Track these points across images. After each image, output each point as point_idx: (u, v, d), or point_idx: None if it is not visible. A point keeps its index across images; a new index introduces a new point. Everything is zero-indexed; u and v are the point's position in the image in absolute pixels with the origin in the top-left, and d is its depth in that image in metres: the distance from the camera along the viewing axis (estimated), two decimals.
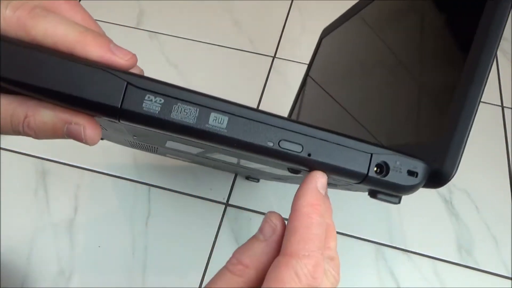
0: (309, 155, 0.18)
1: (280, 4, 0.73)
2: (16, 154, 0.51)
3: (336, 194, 0.51)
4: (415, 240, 0.48)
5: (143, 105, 0.17)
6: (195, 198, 0.49)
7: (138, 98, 0.17)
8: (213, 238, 0.46)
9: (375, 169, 0.19)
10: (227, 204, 0.49)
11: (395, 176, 0.19)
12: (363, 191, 0.23)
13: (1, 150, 0.51)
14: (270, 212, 0.20)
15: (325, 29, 0.51)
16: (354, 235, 0.48)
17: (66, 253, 0.44)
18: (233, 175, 0.51)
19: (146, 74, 0.63)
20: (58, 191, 0.48)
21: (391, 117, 0.28)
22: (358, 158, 0.19)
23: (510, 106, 0.62)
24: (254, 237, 0.20)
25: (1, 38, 0.16)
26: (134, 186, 0.49)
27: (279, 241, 0.19)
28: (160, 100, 0.17)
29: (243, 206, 0.49)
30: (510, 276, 0.46)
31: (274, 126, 0.18)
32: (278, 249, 0.19)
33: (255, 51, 0.66)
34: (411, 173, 0.20)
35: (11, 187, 0.48)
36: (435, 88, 0.24)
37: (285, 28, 0.69)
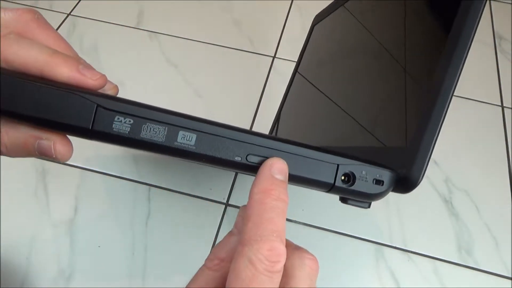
0: None
1: (280, 4, 0.73)
2: None
3: (336, 196, 0.51)
4: (415, 240, 0.48)
5: (113, 126, 0.18)
6: (195, 198, 0.49)
7: (108, 120, 0.18)
8: (213, 238, 0.46)
9: (342, 178, 0.20)
10: (227, 204, 0.49)
11: (361, 185, 0.20)
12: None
13: None
14: (242, 206, 0.20)
15: (317, 16, 0.51)
16: (354, 235, 0.48)
17: (66, 253, 0.44)
18: (233, 175, 0.51)
19: (147, 74, 0.63)
20: (58, 191, 0.48)
21: (369, 115, 0.29)
22: (325, 169, 0.20)
23: (510, 106, 0.62)
24: (229, 232, 0.21)
25: None
26: (134, 186, 0.49)
27: None
28: (130, 121, 0.18)
29: None
30: (510, 276, 0.46)
31: (241, 141, 0.19)
32: None
33: (255, 51, 0.66)
34: (377, 181, 0.20)
35: (11, 187, 0.48)
36: (407, 93, 0.25)
37: (285, 28, 0.69)
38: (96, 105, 0.17)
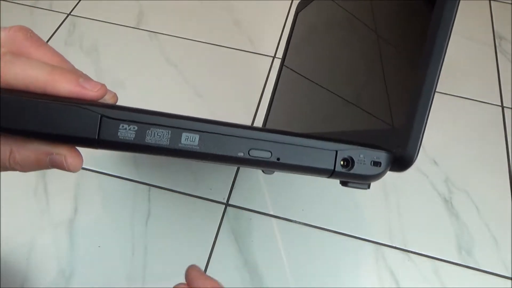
0: (278, 159, 0.20)
1: (280, 4, 0.73)
2: None
3: (336, 195, 0.51)
4: (415, 240, 0.48)
5: (119, 134, 0.18)
6: (195, 198, 0.49)
7: (113, 128, 0.18)
8: (213, 238, 0.46)
9: (341, 163, 0.21)
10: (227, 204, 0.49)
11: (360, 168, 0.21)
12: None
13: None
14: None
15: (300, 3, 0.51)
16: (354, 235, 0.48)
17: (66, 253, 0.44)
18: (233, 175, 0.51)
19: (146, 74, 0.63)
20: (58, 191, 0.48)
21: (360, 103, 0.30)
22: (324, 157, 0.21)
23: (510, 106, 0.62)
24: None
25: None
26: (134, 186, 0.49)
27: None
28: (134, 128, 0.19)
29: (243, 206, 0.49)
30: (510, 276, 0.46)
31: (242, 137, 0.20)
32: None
33: (255, 51, 0.66)
34: (375, 163, 0.21)
35: (11, 187, 0.48)
36: (397, 75, 0.26)
37: (285, 28, 0.69)
38: (100, 116, 0.18)
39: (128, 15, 0.68)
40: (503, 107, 0.62)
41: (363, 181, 0.22)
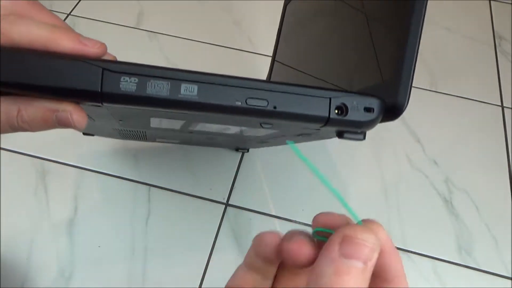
0: (274, 107, 0.21)
1: (280, 4, 0.73)
2: (16, 154, 0.51)
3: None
4: (415, 240, 0.48)
5: (120, 86, 0.19)
6: (195, 198, 0.49)
7: (115, 81, 0.19)
8: (213, 238, 0.46)
9: (335, 111, 0.21)
10: (227, 204, 0.49)
11: (354, 115, 0.22)
12: (331, 136, 0.26)
13: (1, 150, 0.51)
14: (363, 230, 0.16)
15: None
16: None
17: (66, 253, 0.44)
18: (233, 175, 0.51)
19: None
20: (58, 191, 0.48)
21: (350, 65, 0.31)
22: (319, 104, 0.21)
23: (510, 106, 0.62)
24: (351, 267, 0.15)
25: None
26: (134, 186, 0.49)
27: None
28: (135, 80, 0.19)
29: (243, 206, 0.49)
30: (510, 276, 0.46)
31: (240, 86, 0.20)
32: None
33: (255, 51, 0.66)
34: (367, 109, 0.22)
35: (11, 187, 0.48)
36: (383, 36, 0.27)
37: None
38: (102, 69, 0.19)
39: (128, 15, 0.68)
40: (503, 107, 0.62)
41: (358, 128, 0.22)
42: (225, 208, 0.48)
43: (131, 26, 0.67)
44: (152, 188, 0.49)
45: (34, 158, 0.50)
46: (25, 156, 0.50)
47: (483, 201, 0.51)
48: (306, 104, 0.21)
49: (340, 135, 0.23)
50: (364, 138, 0.23)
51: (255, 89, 0.20)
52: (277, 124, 0.23)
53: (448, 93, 0.63)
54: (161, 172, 0.51)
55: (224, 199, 0.49)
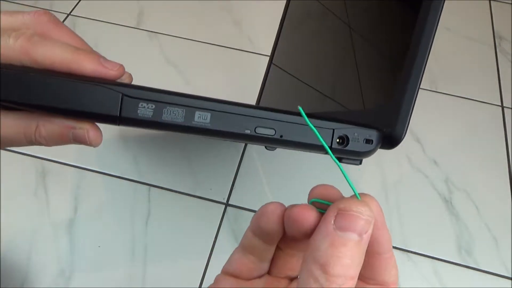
0: (281, 136, 0.22)
1: (280, 4, 0.73)
2: (16, 154, 0.51)
3: None
4: (415, 240, 0.48)
5: (138, 112, 0.20)
6: (195, 198, 0.49)
7: (133, 107, 0.20)
8: (213, 238, 0.46)
9: (337, 141, 0.23)
10: (227, 204, 0.49)
11: (354, 145, 0.23)
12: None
13: (1, 150, 0.51)
14: (359, 203, 0.16)
15: None
16: None
17: (66, 253, 0.44)
18: (233, 175, 0.51)
19: (146, 73, 0.63)
20: (58, 191, 0.48)
21: (352, 85, 0.32)
22: (323, 134, 0.22)
23: (510, 106, 0.62)
24: (348, 240, 0.15)
25: (2, 66, 0.19)
26: (134, 186, 0.49)
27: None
28: (152, 106, 0.20)
29: (243, 206, 0.49)
30: (510, 276, 0.46)
31: (250, 115, 0.21)
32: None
33: (255, 51, 0.66)
34: (367, 141, 0.23)
35: (11, 187, 0.48)
36: (386, 58, 0.28)
37: None
38: (121, 95, 0.20)
39: (128, 15, 0.68)
40: (503, 107, 0.62)
41: (356, 157, 0.24)
42: (225, 208, 0.48)
43: (131, 26, 0.67)
44: (152, 188, 0.49)
45: (34, 158, 0.50)
46: (25, 156, 0.50)
47: (483, 201, 0.51)
48: (311, 134, 0.22)
49: (338, 159, 0.24)
50: (361, 163, 0.25)
51: (264, 118, 0.22)
52: (281, 147, 0.24)
53: (448, 93, 0.63)
54: (161, 172, 0.51)
55: (224, 199, 0.49)
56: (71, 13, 0.67)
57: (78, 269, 0.43)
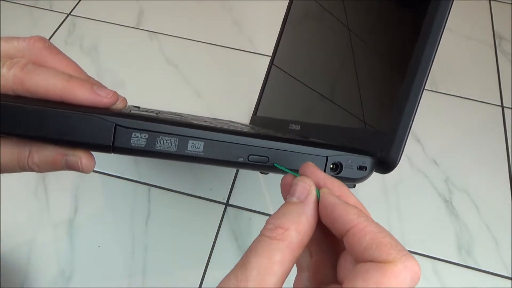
0: (274, 164, 0.22)
1: (280, 4, 0.73)
2: None
3: None
4: (415, 240, 0.48)
5: (131, 142, 0.20)
6: (195, 198, 0.49)
7: (126, 136, 0.20)
8: (213, 238, 0.46)
9: (331, 166, 0.23)
10: (227, 204, 0.49)
11: (348, 172, 0.23)
12: None
13: None
14: (301, 176, 0.21)
15: None
16: None
17: (66, 253, 0.44)
18: (233, 175, 0.51)
19: (147, 74, 0.63)
20: (58, 191, 0.48)
21: (352, 90, 0.32)
22: (316, 161, 0.23)
23: (510, 106, 0.62)
24: (287, 202, 0.20)
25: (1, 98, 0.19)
26: (134, 186, 0.49)
27: (315, 202, 0.19)
28: (145, 136, 0.20)
29: (243, 206, 0.49)
30: (510, 276, 0.46)
31: (243, 144, 0.22)
32: (315, 211, 0.19)
33: (255, 51, 0.66)
34: (361, 167, 0.24)
35: (11, 187, 0.48)
36: (384, 81, 0.28)
37: None
38: (115, 125, 0.20)
39: (128, 15, 0.68)
40: (503, 107, 0.62)
41: (349, 182, 0.24)
42: (225, 208, 0.48)
43: (131, 26, 0.67)
44: (152, 188, 0.49)
45: None
46: None
47: (483, 201, 0.51)
48: (304, 161, 0.22)
49: None
50: (354, 187, 0.25)
51: (257, 147, 0.22)
52: (275, 172, 0.24)
53: (448, 93, 0.63)
54: (161, 172, 0.51)
55: (224, 199, 0.49)
56: (71, 13, 0.67)
57: (78, 269, 0.43)
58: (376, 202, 0.51)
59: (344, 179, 0.23)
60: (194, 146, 0.21)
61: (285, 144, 0.22)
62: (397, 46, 0.27)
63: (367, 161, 0.24)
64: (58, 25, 0.66)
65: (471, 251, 0.47)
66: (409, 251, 0.49)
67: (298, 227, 0.18)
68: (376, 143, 0.24)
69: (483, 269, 0.46)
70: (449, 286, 0.45)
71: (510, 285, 0.45)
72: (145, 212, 0.47)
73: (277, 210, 0.20)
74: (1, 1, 0.68)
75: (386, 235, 0.17)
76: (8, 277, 0.42)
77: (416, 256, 0.46)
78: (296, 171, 0.21)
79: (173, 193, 0.49)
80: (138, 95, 0.57)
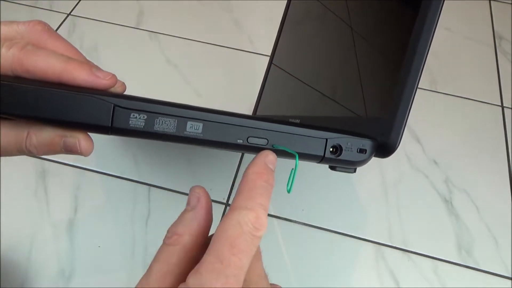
0: (273, 146, 0.22)
1: (280, 4, 0.73)
2: None
3: (336, 195, 0.51)
4: (415, 240, 0.48)
5: (130, 122, 0.20)
6: None
7: (125, 117, 0.20)
8: None
9: (330, 150, 0.23)
10: (227, 204, 0.49)
11: (347, 155, 0.23)
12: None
13: None
14: (194, 186, 0.23)
15: None
16: (354, 235, 0.48)
17: (66, 253, 0.44)
18: (233, 175, 0.51)
19: (146, 73, 0.63)
20: (58, 191, 0.48)
21: (352, 86, 0.32)
22: (316, 144, 0.23)
23: (510, 106, 0.62)
24: (183, 211, 0.22)
25: (0, 78, 0.19)
26: (134, 186, 0.49)
27: (206, 207, 0.22)
28: (144, 116, 0.20)
29: None
30: (510, 276, 0.46)
31: (242, 125, 0.21)
32: (207, 216, 0.22)
33: (255, 51, 0.66)
34: (361, 150, 0.23)
35: (11, 187, 0.48)
36: (383, 67, 0.28)
37: None
38: (113, 105, 0.20)
39: (128, 15, 0.68)
40: (503, 107, 0.62)
41: (350, 166, 0.24)
42: (225, 208, 0.48)
43: (131, 26, 0.67)
44: (152, 188, 0.49)
45: (34, 158, 0.50)
46: (25, 156, 0.50)
47: (483, 201, 0.51)
48: (303, 144, 0.22)
49: (332, 168, 0.25)
50: (355, 171, 0.25)
51: (257, 128, 0.22)
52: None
53: (448, 93, 0.63)
54: (161, 172, 0.51)
55: (224, 199, 0.49)
56: (71, 13, 0.67)
57: (78, 269, 0.43)
58: (376, 202, 0.51)
59: (343, 162, 0.23)
60: (193, 128, 0.21)
61: (285, 126, 0.22)
62: (393, 38, 0.27)
63: (367, 143, 0.23)
64: (58, 25, 0.66)
65: (471, 251, 0.47)
66: (409, 251, 0.49)
67: (192, 232, 0.21)
68: (376, 129, 0.25)
69: (483, 269, 0.46)
70: (449, 286, 0.45)
71: (510, 285, 0.45)
72: (145, 212, 0.47)
73: (177, 218, 0.22)
74: (1, 1, 0.68)
75: None
76: (8, 276, 0.42)
77: (416, 256, 0.47)
78: (296, 153, 0.22)
79: (173, 193, 0.49)
80: (138, 95, 0.57)
